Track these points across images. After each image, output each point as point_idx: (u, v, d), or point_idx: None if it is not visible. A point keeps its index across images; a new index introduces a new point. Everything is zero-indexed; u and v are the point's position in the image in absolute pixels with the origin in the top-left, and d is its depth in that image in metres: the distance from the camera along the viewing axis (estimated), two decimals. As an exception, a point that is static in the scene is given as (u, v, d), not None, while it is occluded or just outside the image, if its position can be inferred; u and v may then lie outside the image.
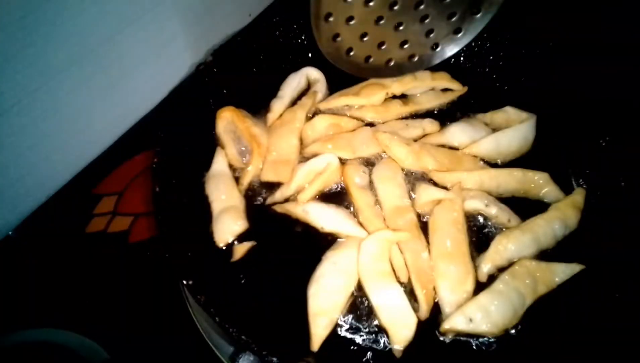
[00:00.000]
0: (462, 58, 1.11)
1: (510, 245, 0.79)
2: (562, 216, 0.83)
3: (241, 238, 0.83)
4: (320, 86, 1.03)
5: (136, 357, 0.89)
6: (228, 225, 0.83)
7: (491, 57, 1.08)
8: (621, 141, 0.89)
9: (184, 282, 0.69)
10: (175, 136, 0.88)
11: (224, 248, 0.82)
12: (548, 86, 1.00)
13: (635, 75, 1.09)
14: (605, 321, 0.72)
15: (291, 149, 0.91)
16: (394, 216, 0.83)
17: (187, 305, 0.89)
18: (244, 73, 1.05)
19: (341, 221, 0.83)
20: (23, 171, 1.04)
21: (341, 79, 1.00)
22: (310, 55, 1.12)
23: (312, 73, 1.04)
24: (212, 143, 0.96)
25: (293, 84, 1.02)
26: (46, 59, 0.97)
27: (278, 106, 0.99)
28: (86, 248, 1.03)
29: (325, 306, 0.74)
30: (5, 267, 1.00)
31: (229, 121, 0.95)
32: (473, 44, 1.05)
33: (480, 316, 0.72)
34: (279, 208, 0.87)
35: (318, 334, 0.72)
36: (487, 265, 0.79)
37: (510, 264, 0.79)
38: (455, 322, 0.72)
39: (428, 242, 0.82)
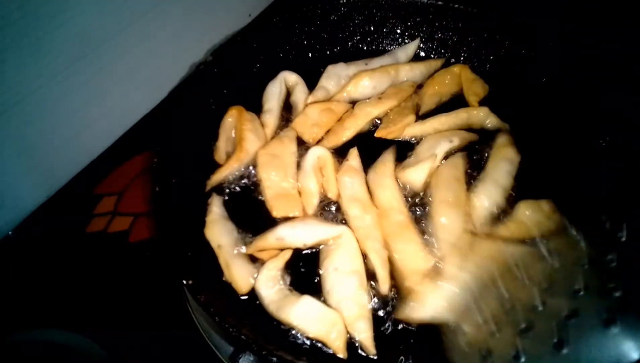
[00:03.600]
0: (462, 59, 1.11)
1: (483, 198, 0.85)
2: (502, 154, 0.91)
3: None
4: (300, 87, 1.03)
5: (136, 357, 0.89)
6: (246, 271, 0.79)
7: (491, 57, 1.09)
8: (621, 141, 0.89)
9: (184, 282, 0.69)
10: (175, 136, 0.88)
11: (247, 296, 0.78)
12: (548, 86, 1.00)
13: (636, 74, 1.09)
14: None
15: (291, 183, 0.90)
16: (386, 216, 0.84)
17: (187, 305, 0.89)
18: (244, 73, 1.05)
19: (318, 230, 0.81)
20: (23, 171, 1.04)
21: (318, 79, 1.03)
22: (309, 55, 1.12)
23: (290, 77, 1.04)
24: (212, 143, 0.96)
25: (275, 93, 1.02)
26: (46, 60, 0.97)
27: (271, 119, 0.99)
28: (86, 248, 1.03)
29: (356, 311, 0.73)
30: (5, 267, 1.00)
31: (233, 119, 0.96)
32: (471, 39, 1.06)
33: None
34: (253, 251, 0.81)
35: (368, 337, 0.72)
36: (475, 224, 0.83)
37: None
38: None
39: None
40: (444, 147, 0.92)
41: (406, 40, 1.14)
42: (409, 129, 0.98)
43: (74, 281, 0.98)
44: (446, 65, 1.09)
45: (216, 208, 0.87)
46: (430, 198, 0.87)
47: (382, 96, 1.02)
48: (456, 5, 1.08)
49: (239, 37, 1.04)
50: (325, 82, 1.04)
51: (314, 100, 1.02)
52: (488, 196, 0.85)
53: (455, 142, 0.94)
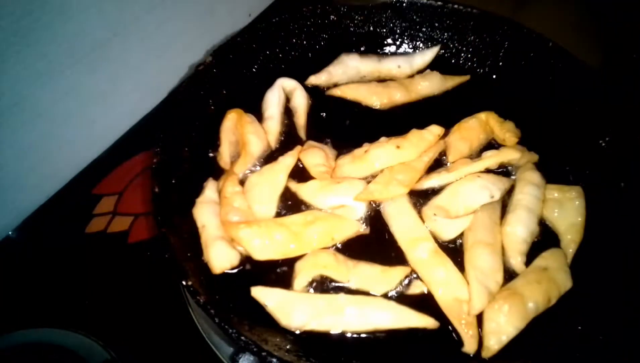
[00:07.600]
0: (461, 60, 1.11)
1: (516, 228, 0.81)
2: (527, 179, 0.86)
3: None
4: (299, 92, 1.01)
5: (136, 356, 0.89)
6: (224, 254, 0.79)
7: (491, 57, 1.09)
8: (621, 141, 0.89)
9: (184, 283, 0.69)
10: (175, 136, 0.88)
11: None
12: (548, 86, 1.00)
13: (635, 74, 1.09)
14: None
15: (269, 212, 0.86)
16: (411, 249, 0.81)
17: (187, 306, 0.89)
18: (243, 73, 1.04)
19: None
20: (23, 171, 1.04)
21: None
22: (309, 55, 1.12)
23: (287, 83, 1.02)
24: (211, 143, 0.96)
25: (274, 100, 1.00)
26: (46, 60, 0.97)
27: (274, 126, 0.97)
28: (86, 248, 1.04)
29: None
30: (5, 267, 1.00)
31: (233, 122, 0.95)
32: (471, 39, 1.06)
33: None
34: None
35: None
36: (516, 257, 0.80)
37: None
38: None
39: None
40: (482, 201, 0.85)
41: (405, 41, 1.14)
42: (427, 182, 0.88)
43: (73, 281, 0.98)
44: (448, 73, 1.06)
45: (209, 191, 0.87)
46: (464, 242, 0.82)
47: (401, 143, 0.90)
48: (456, 6, 1.08)
49: (239, 38, 1.04)
50: (332, 68, 1.05)
51: (316, 82, 1.04)
52: (523, 225, 0.81)
53: (497, 197, 0.86)
